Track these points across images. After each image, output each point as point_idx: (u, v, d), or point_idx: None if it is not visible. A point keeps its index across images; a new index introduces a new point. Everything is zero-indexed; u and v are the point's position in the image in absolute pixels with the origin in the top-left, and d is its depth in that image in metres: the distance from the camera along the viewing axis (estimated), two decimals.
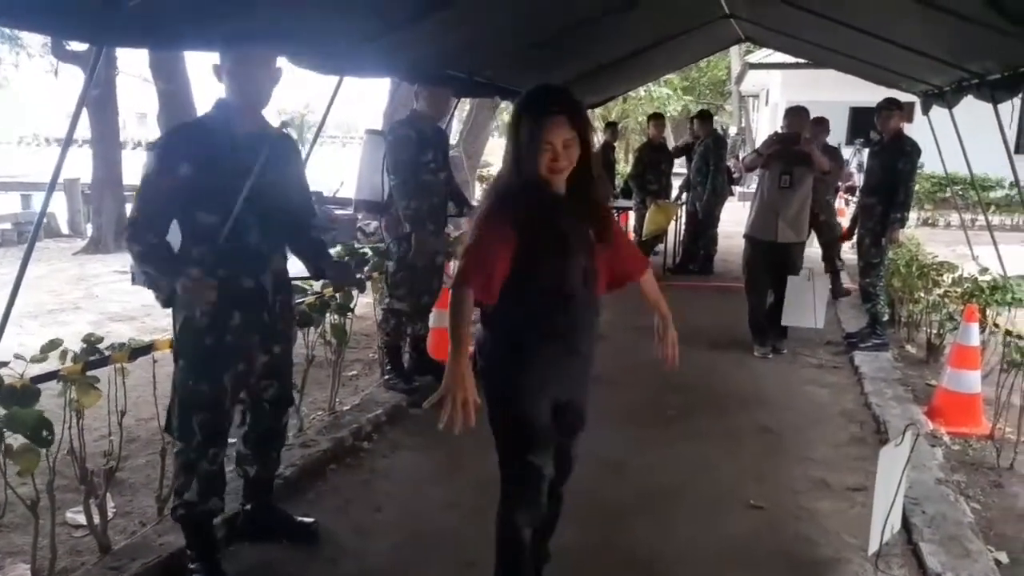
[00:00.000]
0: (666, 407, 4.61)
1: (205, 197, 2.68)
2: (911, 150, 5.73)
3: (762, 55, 17.48)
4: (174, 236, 2.74)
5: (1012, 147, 7.13)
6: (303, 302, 3.95)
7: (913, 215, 6.41)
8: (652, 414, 4.63)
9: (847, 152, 13.47)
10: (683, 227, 9.73)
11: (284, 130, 3.09)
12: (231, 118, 2.76)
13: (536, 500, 2.45)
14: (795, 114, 5.85)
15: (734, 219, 9.71)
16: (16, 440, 2.51)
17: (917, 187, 7.47)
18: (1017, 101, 6.01)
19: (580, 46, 6.72)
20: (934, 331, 5.76)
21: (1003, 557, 3.05)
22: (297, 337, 3.89)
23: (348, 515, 3.47)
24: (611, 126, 11.12)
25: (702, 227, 9.32)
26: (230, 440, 3.01)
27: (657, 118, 9.66)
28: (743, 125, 25.72)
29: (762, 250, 5.99)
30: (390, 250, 4.70)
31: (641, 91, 20.26)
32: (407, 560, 3.13)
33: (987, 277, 4.98)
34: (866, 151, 7.44)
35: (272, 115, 3.18)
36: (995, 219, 10.80)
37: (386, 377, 4.92)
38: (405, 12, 4.19)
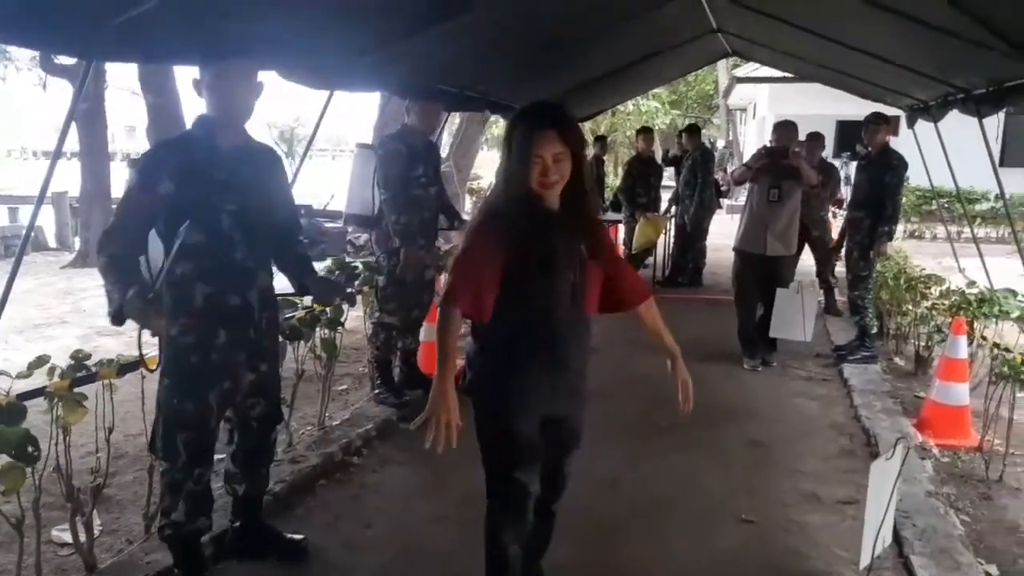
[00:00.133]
0: (657, 420, 4.61)
1: (188, 214, 2.63)
2: (898, 164, 5.78)
3: (749, 69, 17.61)
4: (156, 254, 2.70)
5: (997, 160, 7.20)
6: (293, 316, 3.93)
7: (900, 228, 6.46)
8: (644, 427, 4.62)
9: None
10: (672, 240, 9.76)
11: (279, 142, 3.08)
12: (213, 133, 2.74)
13: (520, 516, 2.44)
14: (784, 128, 5.89)
15: (722, 232, 9.76)
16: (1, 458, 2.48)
17: (903, 200, 7.51)
18: (1001, 115, 6.09)
19: (569, 60, 6.76)
20: (922, 343, 5.79)
21: (993, 570, 3.06)
22: (287, 352, 3.88)
23: (338, 531, 3.44)
24: (600, 140, 11.16)
25: (691, 240, 9.35)
26: (218, 456, 2.99)
27: (646, 132, 9.71)
28: (731, 138, 25.88)
29: (751, 263, 6.02)
30: (380, 264, 4.69)
31: (629, 104, 20.37)
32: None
33: (974, 290, 5.01)
34: (853, 164, 7.49)
35: (263, 128, 3.18)
36: (980, 231, 10.89)
37: (376, 391, 4.90)
38: (395, 28, 4.20)
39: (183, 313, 2.71)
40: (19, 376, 2.67)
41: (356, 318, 5.34)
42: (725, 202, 10.67)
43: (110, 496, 3.54)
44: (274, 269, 3.01)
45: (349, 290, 4.39)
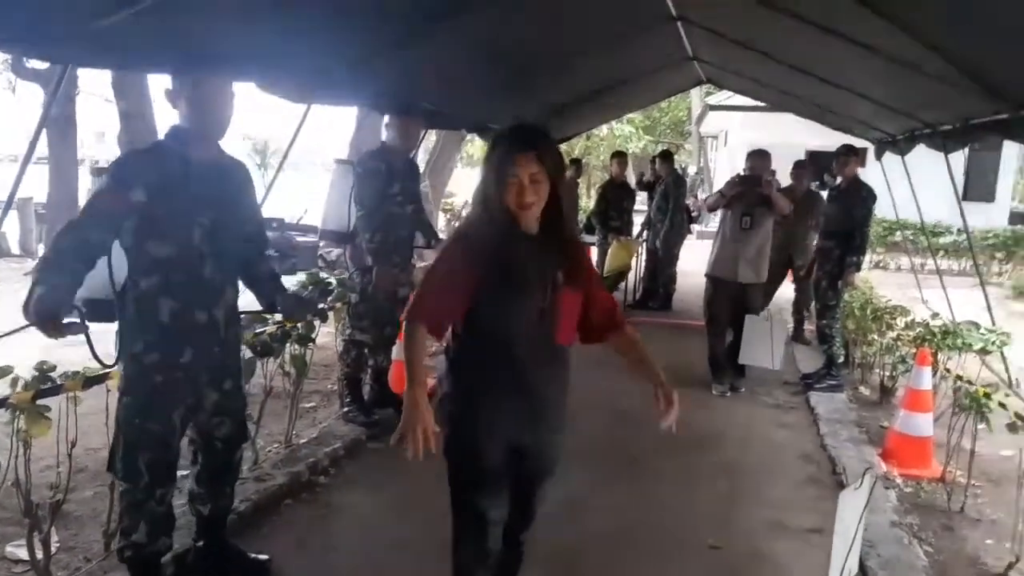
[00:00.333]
0: (624, 444, 4.61)
1: (158, 227, 2.60)
2: (867, 196, 5.91)
3: (722, 97, 17.87)
4: (120, 268, 2.66)
5: (961, 194, 7.37)
6: (264, 332, 3.89)
7: (866, 258, 6.59)
8: (610, 451, 4.62)
9: None
10: (643, 264, 9.83)
11: (252, 154, 3.06)
12: (187, 145, 2.70)
13: (481, 543, 2.40)
14: (758, 157, 5.98)
15: (692, 257, 9.85)
16: None
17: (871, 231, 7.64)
18: (965, 150, 6.24)
19: (547, 82, 6.82)
20: (887, 373, 5.88)
21: None
22: (256, 368, 3.83)
23: (303, 552, 3.39)
24: (575, 163, 11.23)
25: (662, 265, 9.44)
26: (181, 473, 2.93)
27: (620, 156, 9.79)
28: (702, 165, 26.20)
29: (723, 289, 6.07)
30: (353, 281, 4.66)
31: (604, 128, 20.57)
32: None
33: (938, 322, 5.10)
34: (823, 193, 7.62)
35: (238, 140, 3.15)
36: (943, 264, 11.12)
37: (345, 409, 4.85)
38: (375, 43, 4.21)
39: (148, 329, 2.65)
40: None
41: (327, 334, 5.29)
42: (695, 227, 10.78)
43: (69, 512, 3.44)
44: (240, 286, 2.97)
45: (321, 306, 4.35)
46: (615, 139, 21.45)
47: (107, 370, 2.83)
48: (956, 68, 3.79)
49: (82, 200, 11.17)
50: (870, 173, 6.52)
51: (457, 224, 8.93)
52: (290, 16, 3.40)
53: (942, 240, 14.28)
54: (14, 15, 2.50)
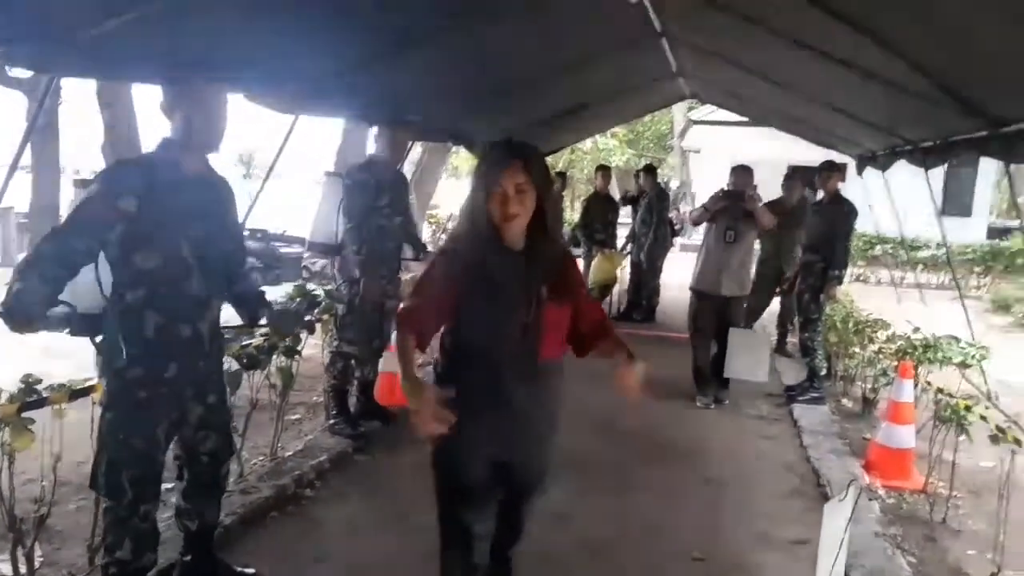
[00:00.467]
0: (609, 456, 4.63)
1: (146, 238, 2.59)
2: (849, 211, 6.00)
3: (705, 112, 18.07)
4: (105, 279, 2.64)
5: (939, 209, 7.50)
6: (250, 344, 3.88)
7: (848, 272, 6.70)
8: (595, 463, 4.63)
9: None
10: (627, 277, 9.88)
11: (236, 164, 3.06)
12: (178, 158, 2.70)
13: (467, 556, 2.41)
14: (741, 172, 6.04)
15: (675, 270, 9.92)
16: None
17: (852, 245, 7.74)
18: (945, 165, 6.34)
19: (533, 95, 6.87)
20: (869, 386, 5.95)
21: None
22: (242, 380, 3.82)
23: (290, 565, 3.38)
24: (560, 175, 11.30)
25: (646, 277, 9.49)
26: (166, 486, 2.91)
27: (604, 170, 9.87)
28: (684, 179, 26.38)
29: (707, 302, 6.12)
30: (341, 292, 4.66)
31: (588, 142, 20.69)
32: None
33: (919, 335, 5.17)
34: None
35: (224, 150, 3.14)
36: (923, 277, 11.29)
37: (332, 422, 4.83)
38: (362, 55, 4.23)
39: (132, 343, 2.63)
40: None
41: (313, 345, 5.27)
42: (678, 240, 10.87)
43: (51, 526, 3.39)
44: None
45: (308, 318, 4.35)
46: (599, 153, 21.58)
47: (91, 383, 2.81)
48: (936, 86, 3.86)
49: (64, 209, 11.10)
50: (851, 188, 6.63)
51: (444, 236, 8.96)
52: (278, 28, 3.42)
53: (921, 254, 14.46)
54: (3, 25, 2.50)
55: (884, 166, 7.02)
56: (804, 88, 5.97)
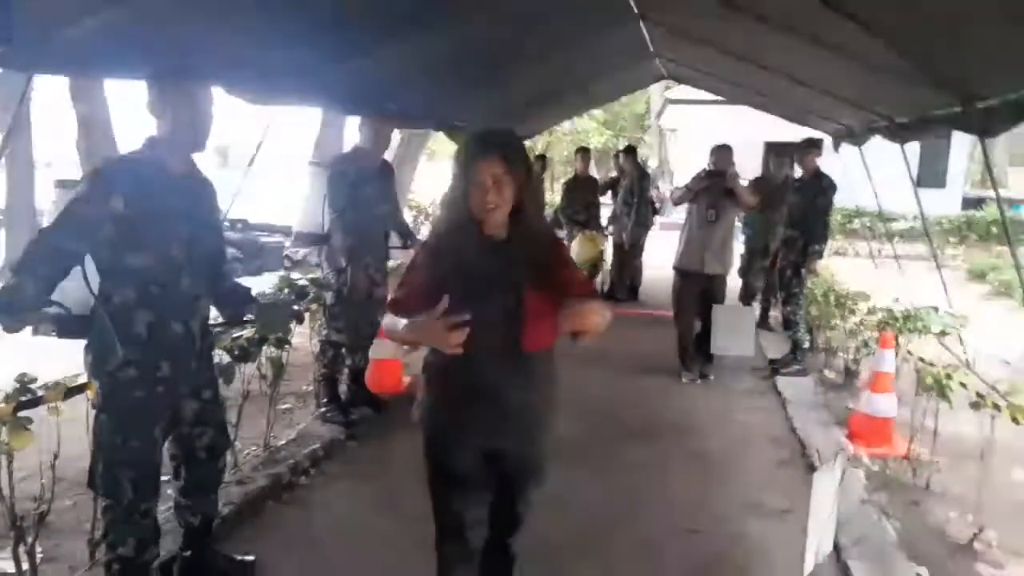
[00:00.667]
0: (599, 436, 4.69)
1: (136, 237, 2.60)
2: (828, 186, 6.08)
3: (682, 91, 18.09)
4: (93, 280, 2.63)
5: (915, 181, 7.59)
6: (241, 336, 3.89)
7: (827, 246, 6.82)
8: (585, 444, 4.69)
9: None
10: (610, 258, 9.94)
11: (213, 154, 3.05)
12: (164, 158, 2.71)
13: (461, 543, 2.43)
14: (721, 151, 6.10)
15: (656, 249, 10.00)
16: None
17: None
18: None
19: (511, 80, 6.87)
20: (850, 357, 6.06)
21: (924, 572, 3.23)
22: (235, 374, 3.84)
23: (289, 553, 3.41)
24: (540, 159, 11.31)
25: (628, 257, 9.57)
26: (163, 477, 2.93)
27: (584, 152, 9.90)
28: (662, 158, 26.49)
29: (690, 281, 6.19)
30: (328, 281, 4.67)
31: (566, 124, 20.69)
32: None
33: (899, 306, 5.27)
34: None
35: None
36: (900, 248, 11.39)
37: (323, 410, 4.87)
38: (340, 45, 4.22)
39: (124, 344, 2.63)
40: None
41: (301, 335, 5.29)
42: (658, 219, 10.93)
43: (50, 522, 3.38)
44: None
45: (296, 307, 4.36)
46: (577, 135, 21.59)
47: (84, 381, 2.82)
48: (910, 63, 3.92)
49: (40, 206, 10.97)
50: (827, 163, 6.70)
51: (426, 222, 8.97)
52: (257, 20, 3.41)
53: (897, 226, 14.64)
54: None
55: (860, 141, 7.10)
56: (780, 67, 6.01)
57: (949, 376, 3.99)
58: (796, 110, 8.16)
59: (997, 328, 7.51)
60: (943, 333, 4.90)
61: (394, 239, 5.00)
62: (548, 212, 11.57)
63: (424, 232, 6.88)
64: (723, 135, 7.95)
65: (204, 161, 3.00)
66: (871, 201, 8.64)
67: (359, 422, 4.82)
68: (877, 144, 6.66)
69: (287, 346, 4.30)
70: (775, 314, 7.64)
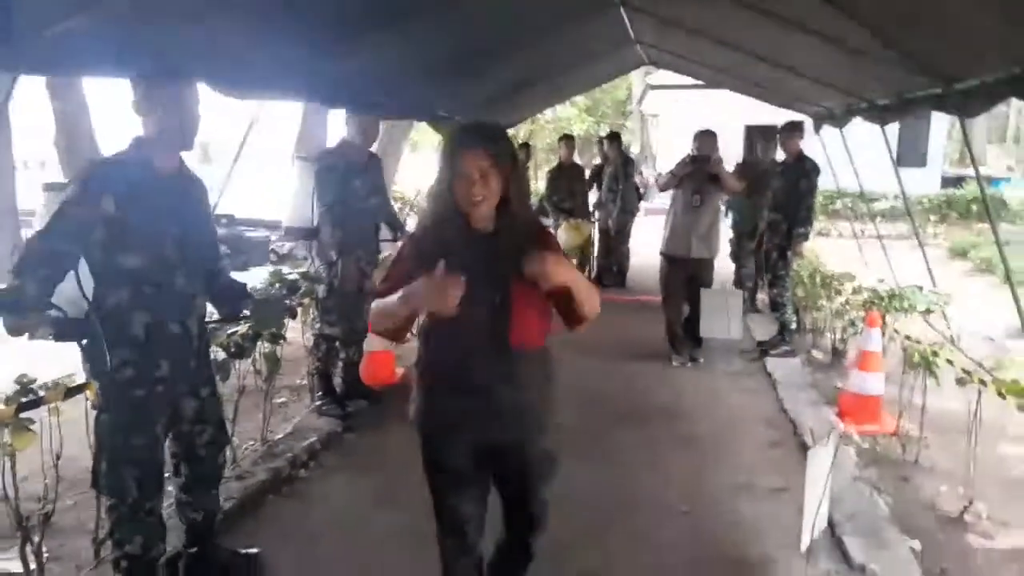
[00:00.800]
0: (590, 422, 4.74)
1: (128, 238, 2.61)
2: (811, 169, 6.15)
3: (663, 76, 18.13)
4: (86, 283, 2.64)
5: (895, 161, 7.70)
6: (236, 332, 3.90)
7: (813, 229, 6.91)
8: (577, 430, 4.71)
9: None
10: (596, 244, 9.99)
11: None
12: (152, 157, 2.71)
13: (458, 539, 2.44)
14: (705, 136, 6.14)
15: (641, 235, 10.05)
16: None
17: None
18: None
19: (494, 69, 6.87)
20: (838, 336, 6.15)
21: (916, 545, 3.31)
22: (231, 370, 3.85)
23: (291, 546, 3.44)
24: (524, 147, 11.32)
25: (615, 243, 9.62)
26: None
27: (568, 139, 9.91)
28: (645, 143, 26.54)
29: (677, 266, 6.25)
30: (320, 275, 4.69)
31: (548, 112, 20.67)
32: None
33: (884, 286, 5.36)
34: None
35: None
36: (882, 228, 11.53)
37: (318, 403, 4.89)
38: (322, 40, 4.22)
39: (121, 345, 2.65)
40: None
41: (293, 329, 5.30)
42: (643, 204, 10.98)
43: (53, 522, 3.41)
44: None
45: (289, 302, 4.38)
46: (559, 122, 21.58)
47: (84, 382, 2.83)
48: (890, 47, 3.98)
49: (22, 205, 10.84)
50: (808, 145, 6.76)
51: (410, 213, 8.97)
52: (239, 15, 3.41)
53: (879, 206, 14.79)
54: None
55: (841, 124, 7.18)
56: (761, 52, 6.06)
57: (935, 353, 4.07)
58: (777, 94, 8.23)
59: (979, 305, 7.63)
60: (928, 311, 5.00)
61: (384, 232, 5.01)
62: (533, 201, 11.60)
63: (411, 223, 6.88)
64: (704, 119, 8.01)
65: (186, 158, 3.01)
66: (852, 182, 8.75)
67: (355, 414, 4.85)
68: (857, 125, 6.76)
69: (282, 341, 4.31)
70: (762, 296, 7.72)
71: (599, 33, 7.32)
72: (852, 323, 5.74)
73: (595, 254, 9.98)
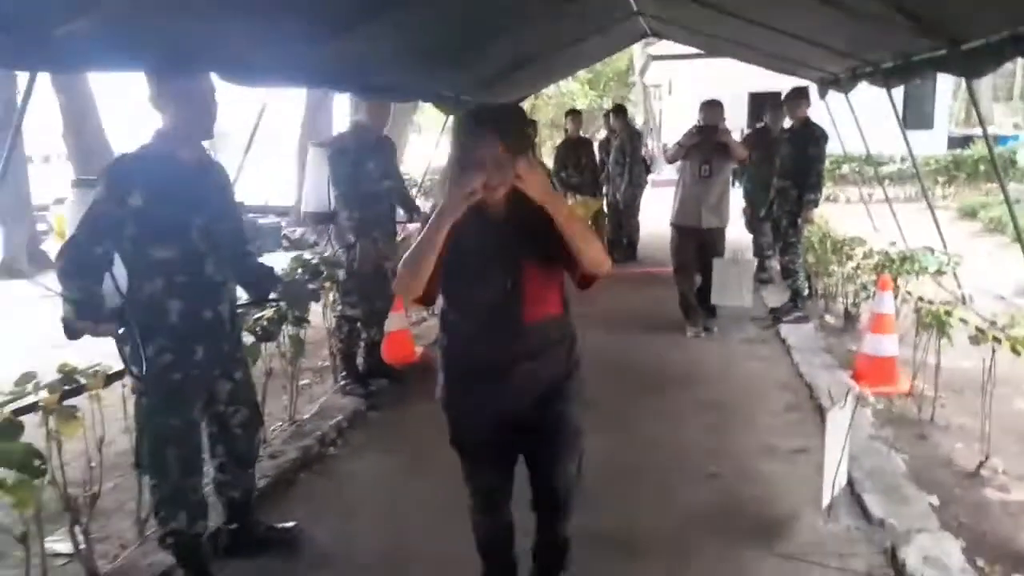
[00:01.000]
0: (611, 392, 4.83)
1: (157, 231, 2.69)
2: (819, 135, 6.18)
3: (664, 47, 18.03)
4: (119, 275, 2.74)
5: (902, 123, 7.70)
6: (262, 317, 3.99)
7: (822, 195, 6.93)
8: (599, 400, 4.80)
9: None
10: (606, 218, 10.03)
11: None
12: (175, 149, 2.77)
13: (486, 515, 2.53)
14: (711, 107, 6.17)
15: (649, 207, 10.08)
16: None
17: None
18: None
19: (498, 46, 6.89)
20: (850, 301, 6.21)
21: (934, 500, 3.38)
22: (260, 354, 3.95)
23: (326, 520, 3.54)
24: (531, 124, 11.34)
25: (624, 216, 9.66)
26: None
27: (575, 114, 9.92)
28: (648, 114, 26.44)
29: (688, 236, 6.31)
30: (339, 258, 4.77)
31: (551, 87, 20.62)
32: (389, 557, 3.25)
33: (895, 249, 5.41)
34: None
35: None
36: (890, 192, 11.56)
37: (342, 383, 4.99)
38: (328, 25, 4.26)
39: (158, 333, 2.75)
40: (11, 394, 2.67)
41: (314, 312, 5.39)
42: (650, 177, 11.00)
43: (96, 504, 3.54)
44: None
45: (312, 287, 4.46)
46: (562, 96, 21.51)
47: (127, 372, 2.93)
48: (892, 8, 4.00)
49: (36, 200, 10.91)
50: (814, 111, 6.77)
51: (420, 196, 9.00)
52: (244, 4, 3.45)
53: (886, 169, 14.75)
54: None
55: (846, 88, 7.18)
56: (764, 19, 6.06)
57: (948, 313, 4.12)
58: (781, 61, 8.22)
59: (990, 264, 7.67)
60: (939, 272, 5.04)
61: (400, 214, 5.08)
62: None
63: (424, 205, 6.89)
64: (707, 89, 8.03)
65: None
66: (858, 146, 8.76)
67: (378, 393, 4.95)
68: (862, 89, 6.76)
69: (306, 323, 4.41)
70: (774, 264, 7.75)
71: (601, 7, 7.32)
72: (864, 287, 5.79)
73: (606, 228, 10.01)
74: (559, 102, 21.20)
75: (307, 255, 4.93)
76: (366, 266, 4.71)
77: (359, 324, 4.91)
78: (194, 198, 2.78)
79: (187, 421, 2.85)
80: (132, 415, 2.95)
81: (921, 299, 4.52)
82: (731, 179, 6.55)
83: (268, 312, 4.05)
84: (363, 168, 4.67)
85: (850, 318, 6.20)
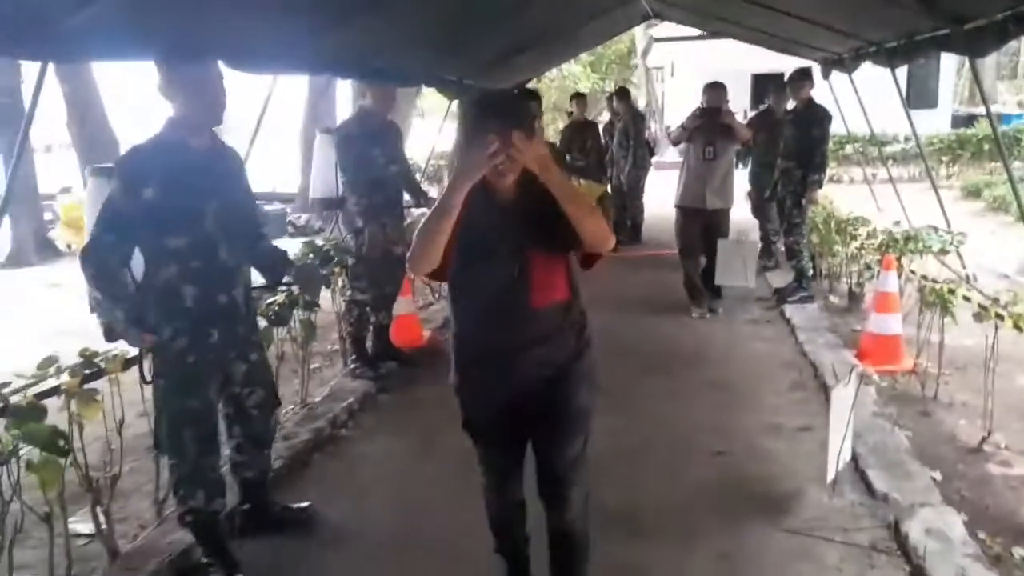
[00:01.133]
0: (617, 373, 4.87)
1: (172, 220, 2.73)
2: (823, 116, 6.19)
3: (666, 28, 17.96)
4: (136, 262, 2.80)
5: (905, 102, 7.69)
6: (274, 301, 4.05)
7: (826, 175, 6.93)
8: (606, 379, 4.86)
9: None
10: (611, 202, 10.04)
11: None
12: (187, 137, 2.80)
13: (499, 493, 2.58)
14: (714, 89, 6.18)
15: (653, 189, 10.11)
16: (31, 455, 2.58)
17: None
18: None
19: (498, 31, 6.90)
20: (854, 281, 6.25)
21: (937, 475, 3.44)
22: (273, 338, 4.01)
23: (338, 499, 3.62)
24: (536, 97, 11.32)
25: (628, 199, 9.68)
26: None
27: (579, 97, 9.92)
28: (650, 96, 26.34)
29: (692, 218, 6.34)
30: (348, 243, 4.82)
31: (553, 70, 20.56)
32: (401, 536, 3.31)
33: (899, 228, 5.44)
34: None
35: None
36: (894, 171, 11.56)
37: (352, 366, 5.06)
38: (337, 12, 4.28)
39: (174, 317, 2.80)
40: (33, 377, 2.74)
41: (323, 298, 5.45)
42: (654, 159, 11.01)
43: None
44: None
45: (324, 272, 4.52)
46: (564, 80, 21.46)
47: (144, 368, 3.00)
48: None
49: (43, 189, 10.94)
50: (817, 91, 6.77)
51: (425, 182, 9.02)
52: None
53: (890, 149, 14.72)
54: None
55: (850, 69, 7.17)
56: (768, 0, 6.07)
57: (952, 291, 4.16)
58: (784, 41, 8.21)
59: (993, 243, 7.69)
60: (943, 251, 5.07)
61: (407, 199, 5.12)
62: None
63: (431, 191, 6.92)
64: (710, 71, 8.03)
65: None
66: (862, 126, 8.76)
67: (387, 376, 5.02)
68: (866, 68, 6.76)
69: (316, 308, 4.46)
70: (780, 248, 7.76)
71: None
72: (868, 267, 5.83)
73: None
74: (561, 85, 21.14)
75: (319, 240, 4.97)
76: (375, 251, 4.76)
77: (368, 308, 4.97)
78: (207, 185, 2.82)
79: (204, 402, 2.90)
80: (150, 399, 3.02)
81: (925, 278, 4.55)
82: (735, 161, 6.56)
83: (280, 297, 4.11)
84: (370, 153, 4.70)
85: (854, 298, 6.24)
